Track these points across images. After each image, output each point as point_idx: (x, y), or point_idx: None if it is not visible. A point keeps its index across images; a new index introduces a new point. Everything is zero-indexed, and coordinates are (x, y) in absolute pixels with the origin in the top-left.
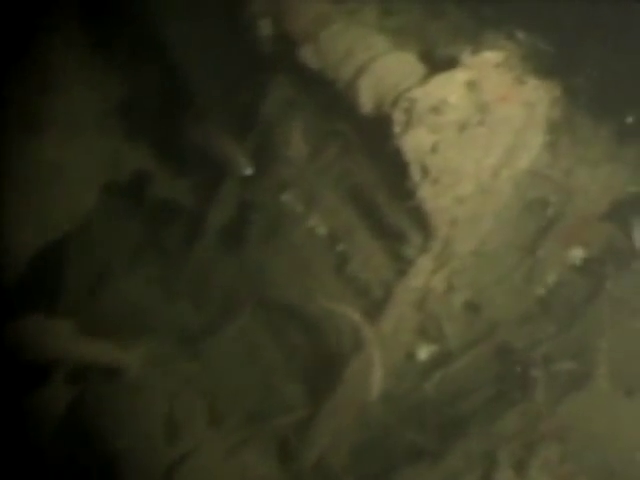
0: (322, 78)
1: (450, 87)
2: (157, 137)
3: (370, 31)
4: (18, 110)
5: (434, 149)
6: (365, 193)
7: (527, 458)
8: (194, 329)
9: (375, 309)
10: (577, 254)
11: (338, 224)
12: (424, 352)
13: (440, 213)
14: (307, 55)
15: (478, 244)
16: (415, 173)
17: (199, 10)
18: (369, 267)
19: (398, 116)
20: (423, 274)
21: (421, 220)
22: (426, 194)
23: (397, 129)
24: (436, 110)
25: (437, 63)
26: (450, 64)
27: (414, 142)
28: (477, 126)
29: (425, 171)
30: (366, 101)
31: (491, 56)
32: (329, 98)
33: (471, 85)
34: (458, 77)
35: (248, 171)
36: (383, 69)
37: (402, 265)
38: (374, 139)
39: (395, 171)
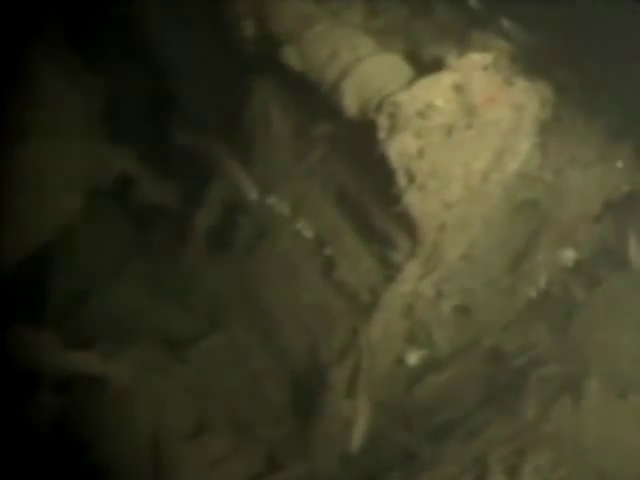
0: (306, 80)
1: (436, 90)
2: (142, 140)
3: (355, 32)
4: None
5: (420, 154)
6: (352, 197)
7: (519, 464)
8: (182, 334)
9: (363, 314)
10: (569, 255)
11: (325, 227)
12: (414, 357)
13: (428, 218)
14: (290, 56)
15: (467, 248)
16: (401, 179)
17: (183, 11)
18: (357, 272)
19: (383, 121)
20: (411, 280)
21: (408, 225)
22: (413, 199)
23: (382, 134)
24: (422, 114)
25: (424, 64)
26: (437, 65)
27: (399, 147)
28: (465, 130)
29: (411, 177)
30: (350, 104)
31: (478, 58)
32: (314, 100)
33: (458, 88)
34: (444, 80)
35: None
36: (367, 71)
37: (390, 271)
38: (359, 143)
39: (381, 176)
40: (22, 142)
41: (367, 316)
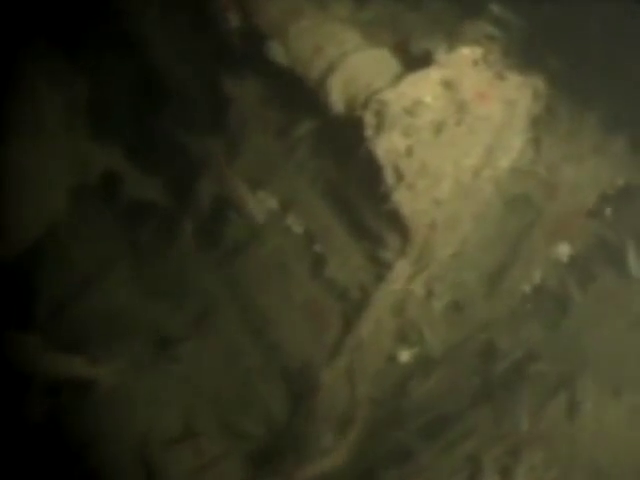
0: (292, 74)
1: (424, 87)
2: (127, 137)
3: (342, 25)
4: None
5: (409, 152)
6: (342, 194)
7: (513, 464)
8: (171, 333)
9: (354, 312)
10: (563, 250)
11: (315, 223)
12: (405, 355)
13: (418, 217)
14: (276, 50)
15: (459, 246)
16: (389, 177)
17: (167, 3)
18: (347, 269)
19: (369, 119)
20: (402, 279)
21: (399, 223)
22: (402, 198)
23: (369, 132)
24: (410, 112)
25: (412, 57)
26: (425, 59)
27: (387, 145)
28: (455, 126)
29: (400, 175)
30: (337, 101)
31: (468, 52)
32: (300, 96)
33: (447, 84)
34: (433, 76)
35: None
36: (354, 67)
37: (380, 269)
38: (347, 140)
39: (370, 174)
40: (5, 142)
41: (357, 314)
